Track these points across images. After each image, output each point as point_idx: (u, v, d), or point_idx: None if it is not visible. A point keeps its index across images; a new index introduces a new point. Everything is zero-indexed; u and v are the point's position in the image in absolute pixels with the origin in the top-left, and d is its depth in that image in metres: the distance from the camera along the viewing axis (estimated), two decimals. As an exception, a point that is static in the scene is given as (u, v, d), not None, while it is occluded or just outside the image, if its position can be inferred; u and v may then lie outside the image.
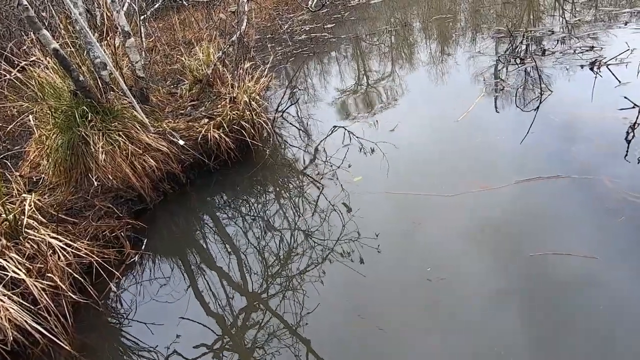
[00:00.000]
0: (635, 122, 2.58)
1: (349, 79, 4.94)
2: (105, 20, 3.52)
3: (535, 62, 3.53)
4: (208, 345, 2.04)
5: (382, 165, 2.91)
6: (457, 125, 3.19)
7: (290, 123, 4.06)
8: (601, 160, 2.46)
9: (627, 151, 2.47)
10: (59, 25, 3.23)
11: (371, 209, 2.54)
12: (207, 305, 2.29)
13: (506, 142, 2.87)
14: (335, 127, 3.68)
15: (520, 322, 1.74)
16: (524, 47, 4.37)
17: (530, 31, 4.72)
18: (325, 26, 7.30)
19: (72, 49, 3.02)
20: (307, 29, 7.49)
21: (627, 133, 2.59)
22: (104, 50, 3.39)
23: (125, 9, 4.01)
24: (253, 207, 3.09)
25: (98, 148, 2.82)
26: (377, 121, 3.64)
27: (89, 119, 2.87)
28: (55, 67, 2.95)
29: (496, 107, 3.38)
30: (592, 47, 3.91)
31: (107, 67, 3.05)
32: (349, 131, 3.53)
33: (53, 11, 3.47)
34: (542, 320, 1.70)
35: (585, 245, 1.96)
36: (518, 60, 4.04)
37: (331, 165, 3.14)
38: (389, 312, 1.90)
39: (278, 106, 4.12)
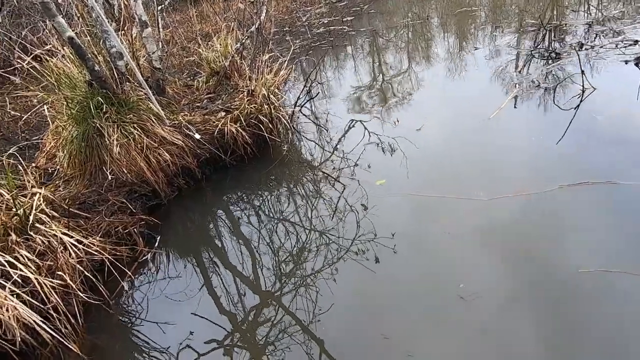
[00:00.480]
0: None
1: (369, 73, 4.74)
2: (123, 9, 3.43)
3: (577, 54, 3.26)
4: (219, 341, 1.97)
5: (405, 164, 2.74)
6: (489, 123, 2.98)
7: (308, 117, 3.91)
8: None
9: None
10: (76, 12, 3.14)
11: (392, 212, 2.37)
12: (220, 303, 2.21)
13: (545, 142, 2.65)
14: (352, 120, 3.51)
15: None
16: (557, 40, 4.09)
17: (565, 24, 4.42)
18: (344, 19, 7.10)
19: (88, 38, 2.93)
20: (326, 21, 7.31)
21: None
22: (120, 40, 3.30)
23: (142, -2, 3.91)
24: (269, 205, 2.96)
25: (113, 140, 2.73)
26: (399, 117, 3.46)
27: (104, 110, 2.78)
28: (71, 56, 2.87)
29: (532, 105, 3.15)
30: (637, 41, 3.62)
31: (124, 57, 2.95)
32: (369, 131, 3.35)
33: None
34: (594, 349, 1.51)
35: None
36: (554, 55, 3.77)
37: (351, 164, 2.98)
38: (416, 335, 1.73)
39: (297, 100, 3.96)
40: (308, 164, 3.24)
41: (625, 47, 3.58)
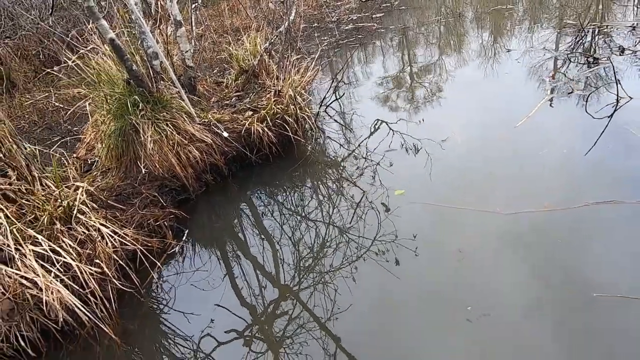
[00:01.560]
0: None
1: (396, 73, 4.70)
2: (159, 8, 3.57)
3: (611, 61, 3.11)
4: (239, 331, 2.07)
5: (425, 172, 2.73)
6: (516, 132, 2.91)
7: (333, 118, 3.95)
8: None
9: None
10: (117, 14, 3.31)
11: (409, 220, 2.38)
12: (241, 294, 2.32)
13: (573, 155, 2.57)
14: (378, 121, 3.51)
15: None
16: (597, 43, 3.90)
17: (606, 25, 4.19)
18: (373, 15, 7.02)
19: (127, 38, 3.09)
20: (355, 18, 7.25)
21: None
22: (156, 39, 3.45)
23: (178, -3, 4.04)
24: (291, 202, 3.04)
25: (147, 137, 2.89)
26: (422, 120, 3.43)
27: (140, 107, 2.93)
28: (111, 54, 3.04)
29: (562, 113, 3.04)
30: (687, 47, 3.39)
31: (159, 57, 3.09)
32: (393, 131, 3.35)
33: (112, 1, 3.58)
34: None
35: None
36: (591, 59, 3.60)
37: (372, 167, 3.01)
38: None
39: (322, 100, 4.01)
40: (331, 165, 3.29)
41: (672, 53, 3.37)
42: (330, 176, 3.18)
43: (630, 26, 4.05)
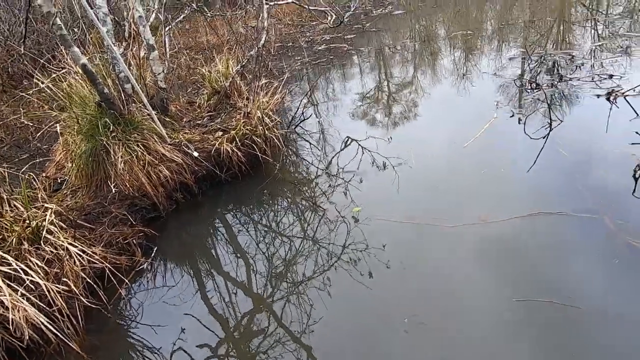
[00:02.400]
0: (644, 161, 2.55)
1: (363, 94, 5.00)
2: (132, 31, 3.72)
3: (544, 92, 3.50)
4: (212, 346, 2.15)
5: (383, 190, 2.97)
6: (464, 151, 3.21)
7: (302, 137, 4.16)
8: (607, 198, 2.44)
9: (634, 190, 2.44)
10: (90, 39, 3.44)
11: (367, 235, 2.59)
12: (213, 309, 2.40)
13: (511, 172, 2.88)
14: (348, 138, 3.76)
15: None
16: (541, 70, 4.33)
17: (550, 54, 4.66)
18: (345, 37, 7.37)
19: (100, 63, 3.21)
20: (328, 38, 7.59)
21: (635, 170, 2.55)
22: (129, 61, 3.58)
23: (151, 20, 4.21)
24: (260, 220, 3.20)
25: (118, 157, 3.00)
26: (386, 138, 3.70)
27: (111, 129, 3.05)
28: (83, 77, 3.15)
29: (504, 134, 3.38)
30: (611, 75, 3.84)
31: (130, 81, 3.22)
32: (362, 146, 3.60)
33: (85, 28, 3.69)
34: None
35: (571, 291, 1.94)
36: (534, 86, 4.00)
37: (337, 184, 3.22)
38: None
39: (291, 120, 4.22)
40: (297, 183, 3.48)
41: (600, 80, 3.80)
42: (296, 193, 3.37)
43: (570, 56, 4.52)
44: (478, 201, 2.64)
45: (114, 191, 2.97)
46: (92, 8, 3.08)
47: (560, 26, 5.62)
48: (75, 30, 3.62)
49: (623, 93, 3.47)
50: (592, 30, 5.10)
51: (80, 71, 3.04)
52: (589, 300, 1.89)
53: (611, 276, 2.00)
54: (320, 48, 7.09)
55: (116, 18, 4.09)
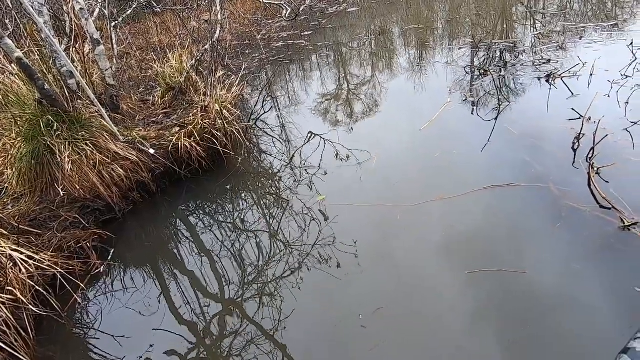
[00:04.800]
0: (580, 132, 2.78)
1: (323, 87, 5.04)
2: (74, 27, 3.49)
3: (490, 76, 3.72)
4: (182, 353, 2.05)
5: (346, 178, 3.01)
6: (421, 134, 3.33)
7: (265, 132, 4.12)
8: (551, 169, 2.63)
9: (573, 159, 2.66)
10: (24, 33, 3.18)
11: (331, 221, 2.61)
12: (179, 312, 2.30)
13: (466, 151, 3.03)
14: (310, 133, 3.77)
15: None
16: (488, 58, 4.59)
17: (496, 43, 4.95)
18: (302, 33, 7.40)
19: (38, 57, 2.98)
20: (285, 35, 7.58)
21: (573, 143, 2.78)
22: (72, 57, 3.36)
23: (95, 15, 3.98)
24: (225, 215, 3.12)
25: (64, 158, 2.79)
26: (347, 130, 3.75)
27: (55, 128, 2.84)
28: (20, 74, 2.91)
29: (459, 117, 3.55)
30: (549, 60, 4.15)
31: (74, 76, 3.02)
32: (323, 138, 3.62)
33: (18, 19, 3.40)
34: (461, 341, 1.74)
35: (520, 257, 2.06)
36: (482, 72, 4.24)
37: (301, 175, 3.22)
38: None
39: (250, 114, 4.17)
40: (260, 175, 3.44)
41: (540, 65, 4.10)
42: (260, 186, 3.33)
43: (513, 44, 4.83)
44: (436, 180, 2.75)
45: (62, 194, 2.77)
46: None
47: (503, 21, 6.01)
48: (7, 22, 3.32)
49: (560, 75, 3.76)
50: (531, 24, 5.51)
51: (15, 66, 2.80)
52: (534, 265, 2.01)
53: (554, 240, 2.15)
54: (278, 45, 7.07)
55: (54, 12, 3.80)
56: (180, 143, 3.25)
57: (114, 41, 3.92)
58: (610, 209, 2.19)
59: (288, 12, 6.58)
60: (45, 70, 2.90)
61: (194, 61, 3.98)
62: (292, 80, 5.56)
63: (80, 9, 3.24)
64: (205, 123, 3.37)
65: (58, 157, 2.80)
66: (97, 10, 3.89)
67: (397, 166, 3.05)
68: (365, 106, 4.26)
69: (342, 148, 3.41)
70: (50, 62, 2.99)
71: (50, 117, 2.81)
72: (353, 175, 3.02)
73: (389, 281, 2.13)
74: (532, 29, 5.34)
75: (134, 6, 4.65)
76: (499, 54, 4.64)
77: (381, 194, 2.73)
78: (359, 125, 3.85)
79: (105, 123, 3.07)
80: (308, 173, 3.22)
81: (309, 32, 7.45)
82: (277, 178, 3.33)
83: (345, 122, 3.98)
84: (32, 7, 2.78)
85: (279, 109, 4.63)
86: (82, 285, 2.36)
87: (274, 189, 3.25)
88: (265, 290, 2.28)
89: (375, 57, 5.80)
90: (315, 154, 3.44)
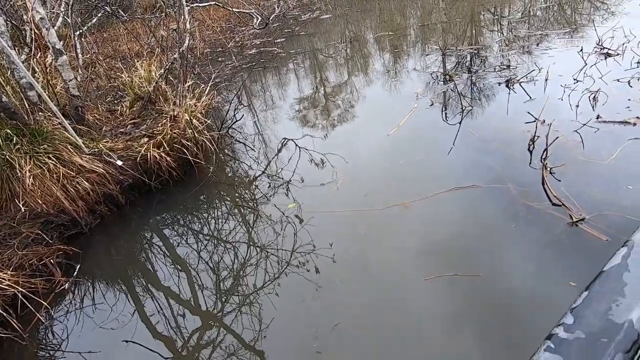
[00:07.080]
0: (534, 135, 2.94)
1: (297, 94, 5.08)
2: (35, 37, 3.38)
3: (454, 82, 3.88)
4: None
5: (318, 185, 3.04)
6: (388, 140, 3.43)
7: (238, 140, 4.11)
8: (510, 169, 2.77)
9: (530, 160, 2.81)
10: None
11: (301, 228, 2.64)
12: (154, 328, 2.24)
13: (432, 155, 3.14)
14: (285, 139, 3.79)
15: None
16: (456, 64, 4.78)
17: (461, 50, 5.16)
18: (275, 40, 7.44)
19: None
20: (258, 42, 7.59)
21: (529, 145, 2.94)
22: (34, 68, 3.26)
23: (58, 24, 3.87)
24: (198, 225, 3.08)
25: (25, 172, 2.70)
26: (321, 136, 3.80)
27: (14, 141, 2.74)
28: (-25, 87, 2.80)
29: (425, 121, 3.67)
30: (509, 65, 4.37)
31: (34, 88, 2.93)
32: (297, 145, 3.65)
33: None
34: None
35: (475, 260, 2.14)
36: (448, 78, 4.41)
37: (275, 183, 3.23)
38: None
39: (222, 122, 4.15)
40: (232, 184, 3.43)
41: (500, 70, 4.30)
42: (233, 195, 3.32)
43: (477, 51, 5.05)
44: (403, 184, 2.83)
45: (23, 210, 2.67)
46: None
47: (471, 28, 6.27)
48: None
49: (518, 80, 3.96)
50: (497, 31, 5.77)
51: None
52: (487, 267, 2.09)
53: (509, 241, 2.25)
54: (251, 52, 7.07)
55: (13, 22, 3.67)
56: (149, 154, 3.20)
57: (78, 50, 3.82)
58: (560, 206, 2.33)
59: (258, 21, 6.61)
60: (3, 82, 2.80)
61: (162, 70, 3.94)
62: (266, 88, 5.57)
63: (41, 18, 3.15)
64: (174, 133, 3.34)
65: (18, 171, 2.70)
66: (60, 19, 3.79)
67: (365, 171, 3.13)
68: (335, 112, 4.33)
69: (316, 153, 3.46)
70: (9, 73, 2.89)
71: (9, 131, 2.71)
72: (326, 181, 3.06)
73: (347, 292, 2.14)
74: (498, 34, 5.60)
75: (99, 15, 4.55)
76: (467, 59, 4.84)
77: (349, 200, 2.78)
78: (326, 132, 3.92)
79: (69, 135, 2.99)
80: (281, 179, 3.24)
81: (282, 39, 7.50)
82: (250, 186, 3.34)
83: (316, 128, 4.04)
84: (-13, 18, 2.69)
85: (254, 116, 4.64)
86: (45, 304, 2.27)
87: (246, 197, 3.24)
88: (242, 300, 2.27)
89: (347, 63, 5.91)
90: (290, 161, 3.47)
